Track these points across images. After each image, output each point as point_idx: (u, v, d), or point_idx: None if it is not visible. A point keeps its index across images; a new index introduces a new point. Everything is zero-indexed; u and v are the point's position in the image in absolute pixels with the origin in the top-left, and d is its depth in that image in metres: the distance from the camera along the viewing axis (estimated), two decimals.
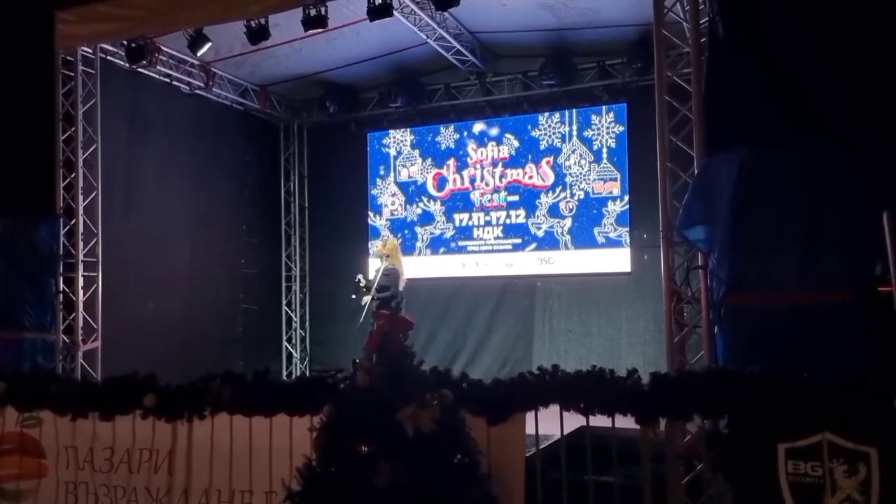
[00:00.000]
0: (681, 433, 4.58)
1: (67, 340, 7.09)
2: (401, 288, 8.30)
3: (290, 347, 11.06)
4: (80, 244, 7.28)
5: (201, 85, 9.30)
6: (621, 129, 9.25)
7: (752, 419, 3.50)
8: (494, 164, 9.93)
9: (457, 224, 10.11)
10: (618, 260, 9.17)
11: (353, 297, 8.59)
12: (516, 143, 9.82)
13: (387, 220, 10.57)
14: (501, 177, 9.89)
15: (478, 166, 10.02)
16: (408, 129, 10.51)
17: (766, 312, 4.52)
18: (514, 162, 9.82)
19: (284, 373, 10.84)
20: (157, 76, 8.79)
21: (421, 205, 10.35)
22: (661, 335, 5.92)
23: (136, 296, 8.30)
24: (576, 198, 9.47)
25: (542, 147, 9.68)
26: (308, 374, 10.44)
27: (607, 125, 9.35)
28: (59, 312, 6.97)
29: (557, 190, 9.57)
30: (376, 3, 7.07)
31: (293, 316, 11.10)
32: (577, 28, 8.44)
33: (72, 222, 7.25)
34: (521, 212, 9.74)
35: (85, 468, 4.44)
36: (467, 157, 10.09)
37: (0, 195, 6.64)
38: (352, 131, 10.78)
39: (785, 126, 4.56)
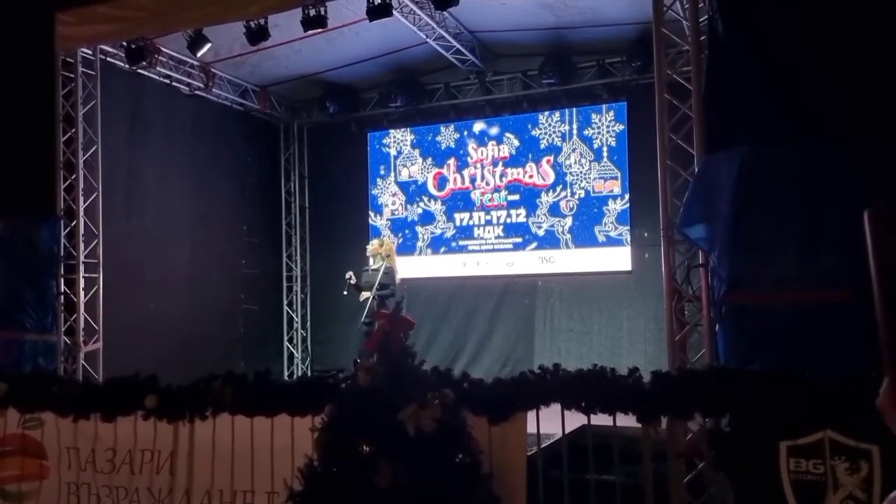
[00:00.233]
0: (682, 431, 4.57)
1: (69, 342, 7.09)
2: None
3: (291, 348, 11.07)
4: (81, 245, 7.27)
5: (201, 86, 9.30)
6: (621, 127, 9.25)
7: (754, 417, 3.50)
8: (495, 164, 9.93)
9: (457, 223, 10.11)
10: (618, 258, 9.17)
11: (345, 293, 8.65)
12: (516, 143, 9.82)
13: (387, 219, 10.57)
14: (502, 176, 9.89)
15: (478, 166, 10.02)
16: (408, 129, 10.51)
17: (766, 310, 4.52)
18: (514, 161, 9.82)
19: (286, 373, 10.84)
20: (157, 77, 8.79)
21: (421, 204, 10.35)
22: (662, 334, 5.92)
23: (137, 297, 8.31)
24: (576, 197, 9.47)
25: (542, 146, 9.68)
26: (309, 374, 10.45)
27: (607, 124, 9.35)
28: (61, 314, 6.97)
29: (558, 189, 9.57)
30: (376, 3, 7.07)
31: (294, 316, 11.10)
32: (577, 27, 8.43)
33: (72, 223, 7.25)
34: (522, 211, 9.74)
35: (87, 469, 4.44)
36: (468, 156, 10.09)
37: (0, 196, 6.64)
38: (352, 131, 10.78)
39: (785, 124, 4.56)
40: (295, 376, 10.61)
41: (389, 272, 8.41)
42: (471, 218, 10.04)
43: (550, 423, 3.88)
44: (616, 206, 9.24)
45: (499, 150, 9.92)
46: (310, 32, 7.41)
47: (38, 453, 4.55)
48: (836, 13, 4.47)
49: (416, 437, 3.28)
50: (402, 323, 3.62)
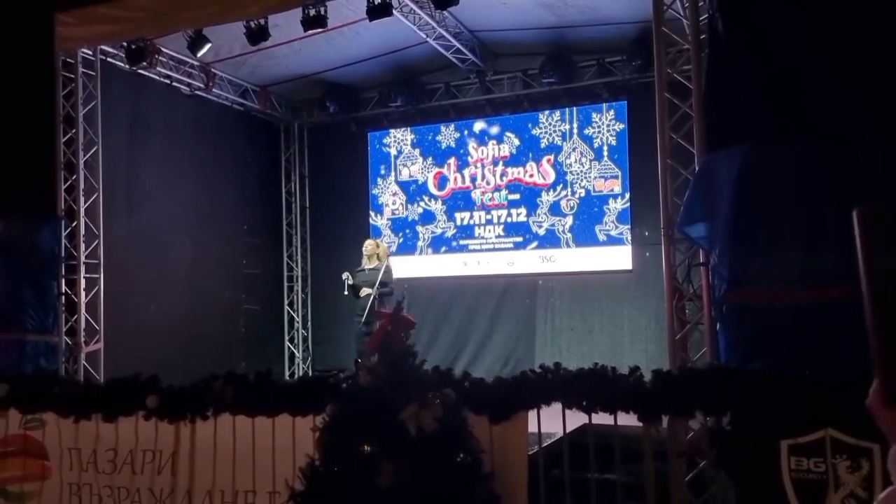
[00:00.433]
0: (683, 430, 4.57)
1: (70, 342, 7.10)
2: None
3: (292, 348, 11.07)
4: (82, 246, 7.28)
5: (201, 86, 9.30)
6: (622, 126, 9.25)
7: (755, 416, 3.50)
8: (495, 163, 9.92)
9: (458, 223, 10.11)
10: (619, 258, 9.17)
11: (346, 293, 8.71)
12: (517, 142, 9.82)
13: (388, 219, 10.57)
14: (502, 175, 9.88)
15: (478, 165, 10.02)
16: (408, 129, 10.51)
17: (767, 309, 4.52)
18: (514, 160, 9.82)
19: (287, 373, 10.84)
20: (157, 77, 8.79)
21: (422, 204, 10.35)
22: (663, 332, 5.92)
23: (138, 297, 8.31)
24: (577, 196, 9.47)
25: (542, 145, 9.68)
26: (310, 374, 10.45)
27: (608, 123, 9.35)
28: (62, 314, 6.98)
29: (558, 188, 9.56)
30: (376, 3, 7.07)
31: (295, 316, 11.10)
32: (577, 26, 8.43)
33: (73, 224, 7.26)
34: (522, 210, 9.74)
35: (88, 469, 4.45)
36: (468, 155, 10.09)
37: (1, 197, 6.65)
38: (352, 131, 10.78)
39: (785, 122, 4.56)
40: (296, 376, 10.61)
41: (388, 272, 8.49)
42: (471, 217, 10.04)
43: (551, 422, 3.89)
44: (616, 205, 9.24)
45: (499, 149, 9.92)
46: (310, 32, 7.41)
47: (40, 454, 4.56)
48: (837, 11, 4.47)
49: (418, 436, 3.28)
50: (402, 322, 3.62)
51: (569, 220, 9.49)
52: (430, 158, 10.33)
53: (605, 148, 9.34)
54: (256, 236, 10.56)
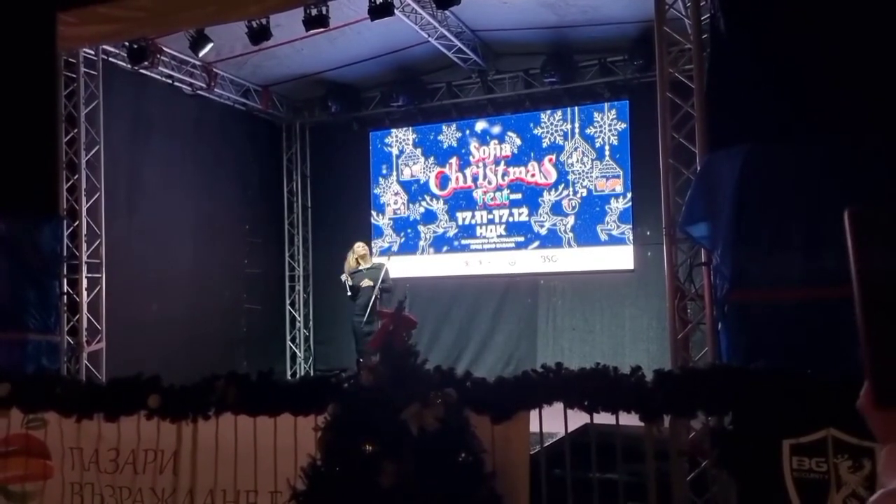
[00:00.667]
0: (685, 430, 4.57)
1: (72, 342, 7.11)
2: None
3: (294, 347, 11.07)
4: (84, 245, 7.29)
5: (203, 85, 9.30)
6: (623, 126, 9.24)
7: (757, 415, 3.50)
8: (497, 163, 9.92)
9: (460, 222, 10.11)
10: (621, 257, 9.16)
11: (349, 294, 8.73)
12: (518, 141, 9.82)
13: (389, 218, 10.57)
14: (504, 175, 9.88)
15: (480, 164, 10.01)
16: (410, 128, 10.50)
17: (769, 308, 4.52)
18: (516, 160, 9.82)
19: (289, 373, 10.84)
20: (159, 77, 8.79)
21: (424, 203, 10.35)
22: (665, 332, 5.92)
23: (140, 297, 8.32)
24: (578, 195, 9.46)
25: (544, 145, 9.67)
26: (312, 373, 10.46)
27: (609, 122, 9.34)
28: (64, 314, 7.00)
29: (560, 188, 9.56)
30: (377, 3, 7.06)
31: (297, 316, 11.11)
32: (578, 25, 8.43)
33: (75, 224, 7.27)
34: (524, 210, 9.73)
35: (90, 469, 4.45)
36: (469, 155, 10.09)
37: (3, 197, 6.66)
38: (354, 130, 10.79)
39: (786, 122, 4.55)
40: (298, 376, 10.61)
41: (387, 270, 8.58)
42: (473, 217, 10.03)
43: (553, 421, 3.89)
44: (618, 205, 9.23)
45: (501, 148, 9.91)
46: (311, 32, 7.41)
47: (42, 453, 4.56)
48: (838, 11, 4.46)
49: (419, 436, 3.28)
50: (404, 322, 3.63)
51: (570, 220, 9.48)
52: (432, 158, 10.33)
53: (607, 147, 9.33)
54: (258, 236, 10.56)
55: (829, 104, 4.42)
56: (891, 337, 0.84)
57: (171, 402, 4.18)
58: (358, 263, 8.73)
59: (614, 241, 9.23)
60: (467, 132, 10.13)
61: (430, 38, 8.53)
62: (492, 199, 9.93)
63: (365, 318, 8.27)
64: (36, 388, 4.57)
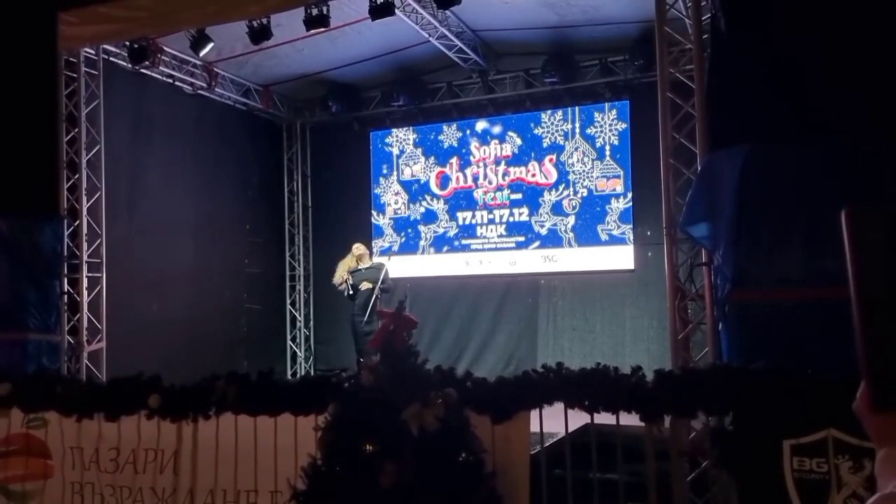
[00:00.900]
0: (685, 430, 4.58)
1: (72, 341, 7.11)
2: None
3: (294, 347, 11.07)
4: (84, 245, 7.29)
5: (204, 85, 9.30)
6: (624, 126, 9.24)
7: (757, 416, 3.50)
8: (497, 162, 9.92)
9: (460, 222, 10.10)
10: (621, 257, 9.16)
11: (350, 294, 8.72)
12: (519, 141, 9.81)
13: (390, 218, 10.57)
14: (504, 175, 9.88)
15: (481, 164, 10.01)
16: (410, 128, 10.50)
17: (770, 309, 4.52)
18: (516, 160, 9.81)
19: (289, 372, 10.85)
20: (159, 77, 8.79)
21: (424, 203, 10.35)
22: (665, 332, 5.93)
23: (141, 296, 8.32)
24: (579, 195, 9.46)
25: (544, 145, 9.67)
26: (313, 373, 10.45)
27: (610, 122, 9.34)
28: (64, 313, 7.00)
29: (560, 187, 9.55)
30: (378, 2, 7.06)
31: (297, 315, 11.11)
32: (579, 25, 8.43)
33: (75, 223, 7.27)
34: (525, 210, 9.73)
35: (91, 469, 4.45)
36: (470, 155, 10.09)
37: (3, 196, 6.66)
38: (354, 130, 10.78)
39: (787, 122, 4.55)
40: (298, 376, 10.60)
41: (387, 270, 8.59)
42: (473, 217, 10.03)
43: (553, 421, 3.89)
44: (619, 205, 9.23)
45: (501, 148, 9.91)
46: (312, 32, 7.42)
47: (42, 453, 4.57)
48: (839, 11, 4.46)
49: (420, 436, 3.28)
50: (404, 322, 3.63)
51: (571, 220, 9.48)
52: (433, 158, 10.33)
53: (608, 147, 9.33)
54: (258, 235, 10.56)
55: (829, 104, 4.42)
56: (888, 339, 0.83)
57: (172, 402, 4.18)
58: (357, 264, 8.72)
59: (615, 241, 9.23)
60: (468, 132, 10.13)
61: (430, 38, 8.53)
62: (492, 199, 9.93)
63: (365, 318, 8.28)
64: (36, 387, 4.57)
